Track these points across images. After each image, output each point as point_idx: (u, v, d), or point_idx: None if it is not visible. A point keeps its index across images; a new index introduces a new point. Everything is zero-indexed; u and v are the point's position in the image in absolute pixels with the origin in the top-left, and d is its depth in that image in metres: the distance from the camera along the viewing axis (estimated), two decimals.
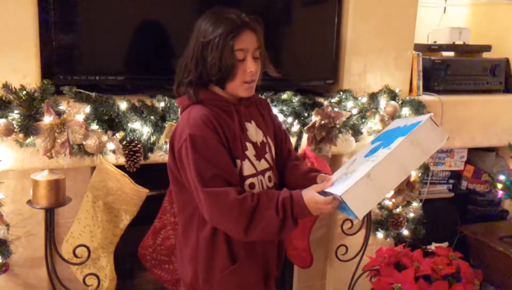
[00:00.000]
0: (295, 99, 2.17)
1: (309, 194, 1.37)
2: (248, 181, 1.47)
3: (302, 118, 2.17)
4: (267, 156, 1.54)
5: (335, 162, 2.41)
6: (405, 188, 2.41)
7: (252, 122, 1.53)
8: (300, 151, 2.23)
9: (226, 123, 1.45)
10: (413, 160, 1.34)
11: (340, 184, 1.35)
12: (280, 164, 1.64)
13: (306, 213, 1.37)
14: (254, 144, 1.50)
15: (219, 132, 1.41)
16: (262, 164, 1.52)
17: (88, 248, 1.87)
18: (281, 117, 2.13)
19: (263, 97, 2.11)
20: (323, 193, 1.36)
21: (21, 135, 1.73)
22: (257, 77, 1.48)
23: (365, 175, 1.28)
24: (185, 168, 1.41)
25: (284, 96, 2.17)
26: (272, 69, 1.55)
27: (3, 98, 1.76)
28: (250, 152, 1.48)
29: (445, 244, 2.65)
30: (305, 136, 2.19)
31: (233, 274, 1.49)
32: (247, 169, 1.47)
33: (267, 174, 1.53)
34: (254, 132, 1.52)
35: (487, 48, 2.88)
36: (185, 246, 1.55)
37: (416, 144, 1.33)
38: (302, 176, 1.58)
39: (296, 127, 2.18)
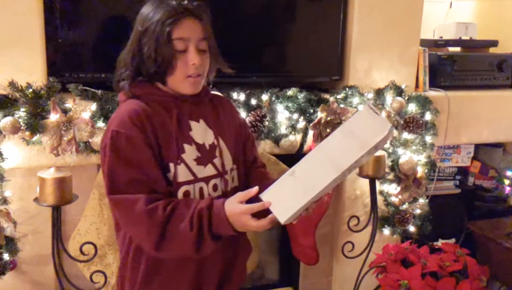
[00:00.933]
0: (301, 96, 2.16)
1: (232, 205, 1.19)
2: (182, 189, 1.28)
3: (308, 115, 2.17)
4: (216, 161, 1.34)
5: None
6: (412, 184, 2.41)
7: (201, 121, 1.35)
8: (305, 147, 2.23)
9: (161, 121, 1.27)
10: (348, 154, 1.13)
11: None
12: (243, 171, 1.46)
13: (227, 228, 1.19)
14: (200, 146, 1.32)
15: (148, 131, 1.24)
16: (207, 170, 1.32)
17: (94, 245, 1.87)
18: (286, 114, 2.13)
19: (269, 93, 2.11)
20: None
21: (27, 133, 1.74)
22: (205, 72, 1.32)
23: (289, 173, 1.14)
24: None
25: (290, 92, 2.16)
26: (224, 64, 1.39)
27: (10, 96, 1.77)
28: (190, 155, 1.29)
29: (452, 241, 2.64)
30: (310, 133, 2.18)
31: (159, 287, 1.33)
32: (182, 174, 1.27)
33: (212, 182, 1.33)
34: (201, 132, 1.34)
35: (494, 43, 2.85)
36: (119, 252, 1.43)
37: (350, 136, 1.14)
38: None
39: (301, 124, 2.17)
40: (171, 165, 1.26)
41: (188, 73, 1.27)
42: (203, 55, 1.29)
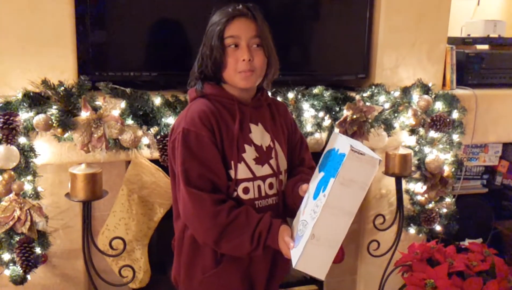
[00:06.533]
0: (327, 94, 2.16)
1: (284, 234, 1.32)
2: (242, 185, 1.41)
3: (334, 113, 2.17)
4: (272, 162, 1.47)
5: None
6: (438, 183, 2.39)
7: (259, 124, 1.47)
8: None
9: (225, 122, 1.40)
10: (353, 200, 1.20)
11: (296, 243, 1.27)
12: (290, 172, 1.56)
13: (276, 246, 1.33)
14: (258, 148, 1.44)
15: (215, 130, 1.37)
16: (264, 170, 1.45)
17: (123, 240, 1.91)
18: (312, 112, 2.13)
19: (295, 91, 2.12)
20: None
21: (59, 130, 1.78)
22: (257, 68, 1.39)
23: (310, 237, 1.19)
24: (175, 160, 1.38)
25: (316, 90, 2.16)
26: (275, 68, 1.47)
27: (43, 94, 1.81)
28: (250, 155, 1.42)
29: (479, 241, 2.60)
30: (336, 131, 2.18)
31: (215, 277, 1.45)
32: (242, 172, 1.40)
33: (269, 180, 1.46)
34: (259, 135, 1.46)
35: None
36: (176, 240, 1.54)
37: (348, 184, 1.18)
38: (291, 188, 1.49)
39: (327, 122, 2.17)
40: (233, 163, 1.39)
41: (239, 68, 1.37)
42: (256, 51, 1.38)
